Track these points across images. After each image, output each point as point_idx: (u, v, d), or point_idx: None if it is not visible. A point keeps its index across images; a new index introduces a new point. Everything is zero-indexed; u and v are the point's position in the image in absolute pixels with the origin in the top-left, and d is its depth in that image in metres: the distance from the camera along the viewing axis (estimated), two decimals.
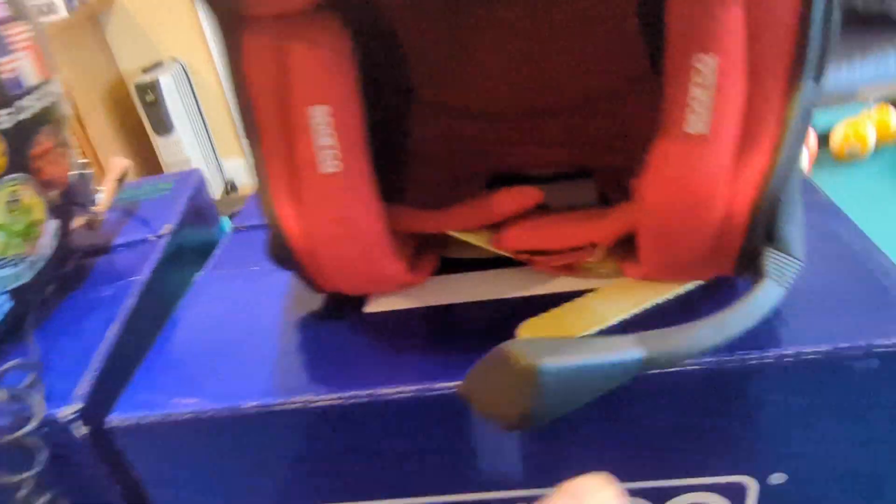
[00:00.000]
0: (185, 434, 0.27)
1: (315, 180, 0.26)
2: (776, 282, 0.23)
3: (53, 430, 0.28)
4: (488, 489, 0.29)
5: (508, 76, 0.39)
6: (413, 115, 0.37)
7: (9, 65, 0.31)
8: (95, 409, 0.29)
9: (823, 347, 0.24)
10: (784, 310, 0.26)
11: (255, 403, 0.27)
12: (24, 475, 0.27)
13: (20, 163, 0.32)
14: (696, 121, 0.23)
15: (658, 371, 0.25)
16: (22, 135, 0.32)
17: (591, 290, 0.30)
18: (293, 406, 0.26)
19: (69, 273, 0.39)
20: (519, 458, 0.28)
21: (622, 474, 0.28)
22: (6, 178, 0.31)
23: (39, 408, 0.28)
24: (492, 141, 0.39)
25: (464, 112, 0.39)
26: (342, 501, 0.29)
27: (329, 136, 0.26)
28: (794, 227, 0.24)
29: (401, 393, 0.26)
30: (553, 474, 0.28)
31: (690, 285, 0.29)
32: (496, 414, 0.20)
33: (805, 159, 0.74)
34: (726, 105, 0.22)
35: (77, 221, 0.41)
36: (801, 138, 0.23)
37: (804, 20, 0.22)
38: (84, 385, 0.29)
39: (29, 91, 0.32)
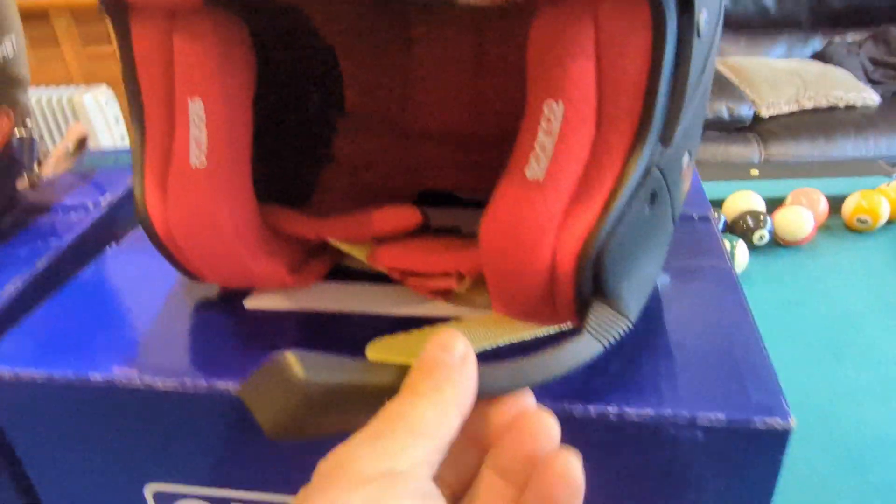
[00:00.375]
0: (40, 393, 0.28)
1: (182, 172, 0.26)
2: (593, 336, 0.23)
3: None
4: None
5: (448, 100, 0.39)
6: (342, 125, 0.38)
7: None
8: None
9: (648, 412, 0.24)
10: (634, 366, 0.26)
11: (101, 377, 0.27)
12: None
13: None
14: (535, 166, 0.23)
15: None
16: None
17: (461, 319, 0.30)
18: (132, 385, 0.27)
19: (5, 229, 0.41)
20: None
21: None
22: None
23: None
24: (424, 161, 0.40)
25: (397, 129, 0.39)
26: (168, 481, 0.30)
27: (200, 130, 0.26)
28: (631, 287, 0.24)
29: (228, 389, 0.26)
30: None
31: (553, 329, 0.28)
32: (261, 423, 0.20)
33: (810, 221, 0.73)
34: (565, 153, 0.22)
35: (23, 183, 0.42)
36: (641, 198, 0.23)
37: (652, 82, 0.22)
38: None
39: None
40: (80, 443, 0.30)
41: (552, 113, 0.22)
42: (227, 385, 0.27)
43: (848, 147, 1.67)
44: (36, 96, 1.87)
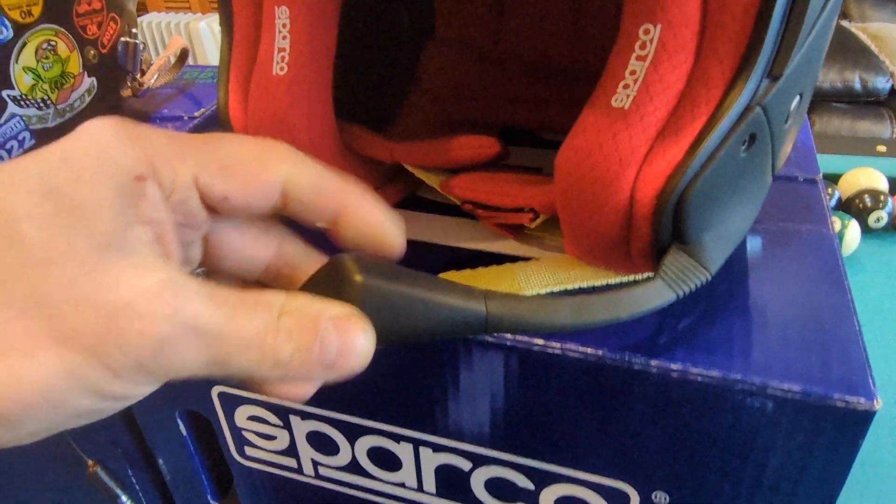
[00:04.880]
0: None
1: (263, 79, 0.26)
2: (667, 284, 0.21)
3: None
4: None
5: (543, 29, 0.37)
6: (430, 48, 0.37)
7: None
8: None
9: (713, 373, 0.22)
10: (707, 325, 0.24)
11: None
12: None
13: (59, 16, 0.35)
14: (623, 94, 0.21)
15: (548, 349, 0.24)
16: None
17: (530, 259, 0.29)
18: None
19: None
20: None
21: (507, 445, 0.27)
22: (41, 25, 0.34)
23: None
24: (512, 93, 0.38)
25: (487, 57, 0.38)
26: (232, 385, 0.31)
27: (285, 38, 0.26)
28: (715, 237, 0.22)
29: None
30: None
31: (628, 278, 0.27)
32: None
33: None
34: (656, 81, 0.20)
35: (126, 91, 0.44)
36: (737, 139, 0.21)
37: (765, 6, 0.19)
38: None
39: None
40: None
41: (648, 37, 0.21)
42: None
43: None
44: (157, 20, 1.96)
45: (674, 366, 0.23)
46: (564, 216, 0.24)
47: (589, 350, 0.23)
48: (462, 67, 0.37)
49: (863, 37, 1.79)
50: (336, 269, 0.19)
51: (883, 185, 0.71)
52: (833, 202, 0.71)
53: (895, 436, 0.43)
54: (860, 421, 0.21)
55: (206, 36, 1.92)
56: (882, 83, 1.63)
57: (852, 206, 0.69)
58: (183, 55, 0.47)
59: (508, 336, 0.24)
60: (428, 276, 0.20)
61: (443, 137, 0.29)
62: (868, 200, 0.70)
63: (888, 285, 0.63)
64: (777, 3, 0.19)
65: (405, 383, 0.28)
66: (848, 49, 1.72)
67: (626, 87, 0.21)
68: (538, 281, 0.27)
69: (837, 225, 0.64)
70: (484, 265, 0.28)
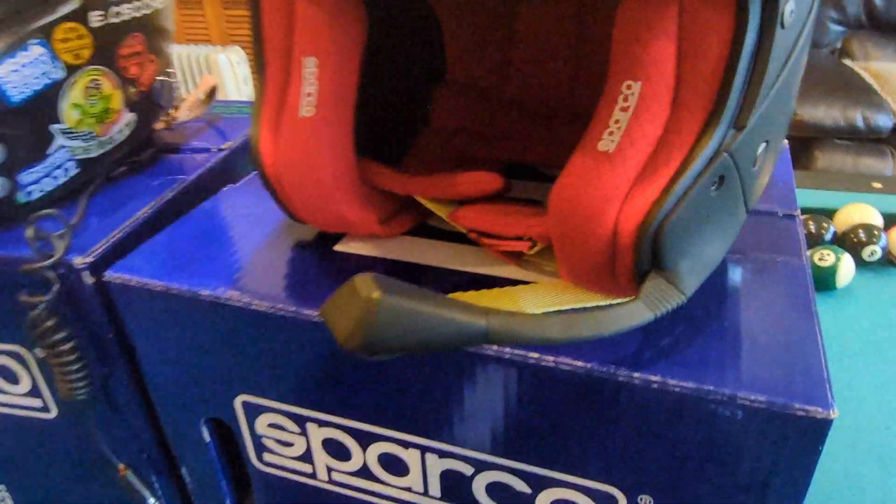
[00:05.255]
0: (159, 302, 0.33)
1: (292, 120, 0.30)
2: (646, 305, 0.24)
3: (67, 273, 0.35)
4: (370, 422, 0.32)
5: (546, 76, 0.41)
6: (441, 92, 0.40)
7: None
8: (105, 266, 0.35)
9: (689, 384, 0.25)
10: (685, 343, 0.27)
11: (208, 293, 0.32)
12: (39, 298, 0.34)
13: (106, 57, 0.39)
14: (608, 139, 0.24)
15: (543, 363, 0.27)
16: (111, 34, 0.38)
17: (529, 283, 0.32)
18: (233, 303, 0.31)
19: (142, 161, 0.46)
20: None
21: (507, 451, 0.30)
22: (89, 66, 0.38)
23: (59, 252, 0.34)
24: (515, 133, 0.41)
25: (493, 100, 0.41)
26: (256, 395, 0.34)
27: (312, 84, 0.29)
28: (690, 265, 0.25)
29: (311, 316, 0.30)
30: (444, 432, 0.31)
31: (616, 301, 0.30)
32: (336, 333, 0.23)
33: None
34: (637, 129, 0.24)
35: (159, 124, 0.48)
36: (707, 180, 0.24)
37: (730, 68, 0.23)
38: (101, 247, 0.36)
39: (126, 0, 0.39)
40: (187, 350, 0.34)
41: (630, 91, 0.24)
42: (312, 312, 0.30)
43: None
44: (177, 52, 2.03)
45: (654, 378, 0.25)
46: (558, 245, 0.27)
47: (579, 363, 0.26)
48: (470, 109, 0.41)
49: (865, 76, 1.83)
50: (356, 287, 0.22)
51: (877, 221, 0.74)
52: (829, 237, 0.73)
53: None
54: (819, 429, 0.24)
55: (224, 68, 1.99)
56: (884, 121, 1.67)
57: (847, 241, 0.72)
58: (212, 92, 0.51)
59: (508, 350, 0.27)
60: (436, 294, 0.23)
61: (451, 172, 0.33)
62: (862, 235, 0.72)
63: (882, 317, 0.65)
64: (739, 66, 0.22)
65: (416, 394, 0.30)
66: (851, 88, 1.76)
67: (610, 133, 0.24)
68: (535, 302, 0.30)
69: (831, 258, 0.67)
70: (487, 288, 0.31)
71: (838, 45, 2.06)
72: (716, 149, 0.23)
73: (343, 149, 0.31)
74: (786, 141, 0.47)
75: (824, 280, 0.67)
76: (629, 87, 0.24)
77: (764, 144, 0.26)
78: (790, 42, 0.24)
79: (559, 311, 0.29)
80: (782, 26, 0.22)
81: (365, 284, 0.22)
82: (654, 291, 0.24)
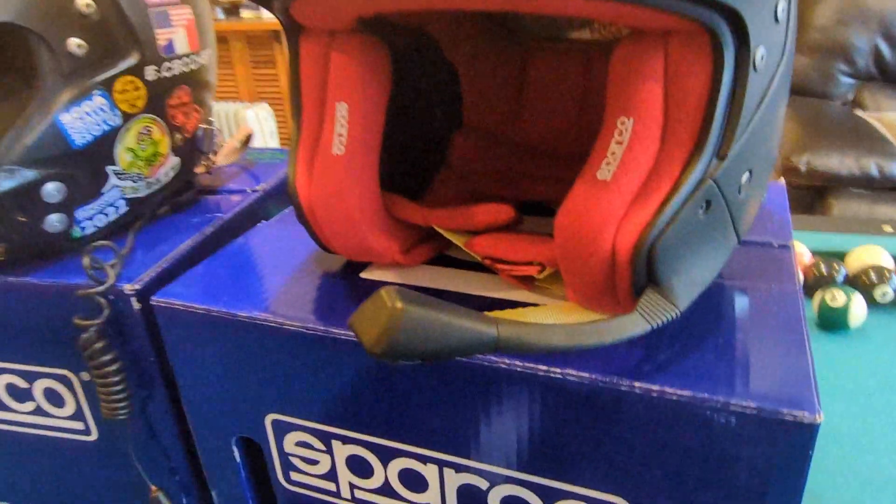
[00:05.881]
0: (198, 324, 0.36)
1: (325, 158, 0.33)
2: (643, 316, 0.27)
3: (118, 298, 0.38)
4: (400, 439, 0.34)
5: (554, 121, 0.44)
6: (458, 136, 0.44)
7: (165, 35, 0.42)
8: (151, 293, 0.38)
9: (685, 392, 0.27)
10: (683, 357, 0.29)
11: (245, 315, 0.35)
12: (91, 321, 0.37)
13: (157, 107, 0.43)
14: (605, 170, 0.27)
15: (549, 373, 0.29)
16: (162, 87, 0.43)
17: (539, 305, 0.34)
18: (267, 323, 0.34)
19: (184, 201, 0.50)
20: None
21: (520, 464, 0.32)
22: (142, 114, 0.42)
23: (111, 279, 0.38)
24: (526, 173, 0.45)
25: (506, 143, 0.45)
26: (285, 413, 0.36)
27: (343, 126, 0.33)
28: (683, 281, 0.28)
29: (346, 335, 0.33)
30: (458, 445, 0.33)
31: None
32: (363, 340, 0.25)
33: None
34: (631, 160, 0.27)
35: (200, 168, 0.52)
36: (695, 204, 0.26)
37: (710, 105, 0.26)
38: (148, 275, 0.39)
39: (178, 56, 0.43)
40: (222, 369, 0.37)
41: (624, 126, 0.27)
42: (340, 332, 0.33)
43: None
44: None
45: (653, 387, 0.28)
46: (563, 266, 0.29)
47: (585, 374, 0.28)
48: (485, 152, 0.44)
49: (878, 126, 1.86)
50: (382, 298, 0.25)
51: (888, 262, 0.75)
52: (840, 278, 0.75)
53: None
54: (807, 432, 0.26)
55: (252, 122, 2.07)
56: None
57: (858, 282, 0.73)
58: (247, 140, 0.55)
59: (518, 364, 0.29)
60: (453, 305, 0.26)
61: (468, 205, 0.36)
62: (874, 276, 0.73)
63: (894, 356, 0.66)
64: (719, 103, 0.25)
65: (434, 410, 0.33)
66: (864, 137, 1.78)
67: (607, 164, 0.27)
68: (543, 320, 0.32)
69: (842, 298, 0.68)
70: (500, 310, 0.34)
71: (850, 97, 2.10)
72: (701, 176, 0.26)
73: (370, 184, 0.34)
74: (783, 180, 0.49)
75: (836, 320, 0.68)
76: (623, 122, 0.27)
77: (747, 174, 0.29)
78: (764, 83, 0.27)
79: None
80: (755, 69, 0.26)
81: (389, 296, 0.25)
82: (649, 305, 0.27)
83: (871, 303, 0.70)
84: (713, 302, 0.33)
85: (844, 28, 2.05)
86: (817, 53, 2.05)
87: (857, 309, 0.68)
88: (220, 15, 2.42)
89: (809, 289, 0.72)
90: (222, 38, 2.44)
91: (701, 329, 0.31)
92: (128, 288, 0.38)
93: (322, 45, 0.33)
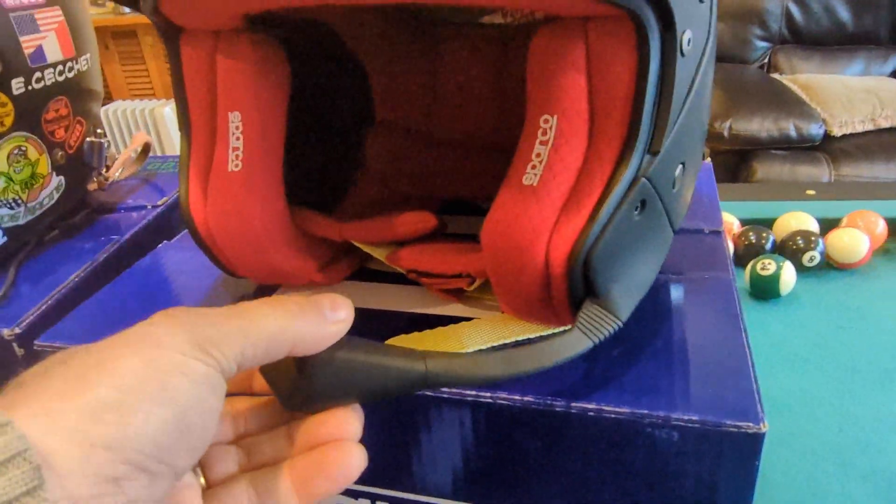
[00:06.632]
0: None
1: (220, 175, 0.30)
2: (583, 333, 0.24)
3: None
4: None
5: (471, 111, 0.42)
6: (371, 134, 0.40)
7: (31, 42, 0.37)
8: (35, 335, 0.34)
9: (624, 410, 0.25)
10: (621, 367, 0.27)
11: None
12: None
13: (30, 123, 0.38)
14: (531, 174, 0.25)
15: (480, 399, 0.26)
16: (34, 100, 0.38)
17: (472, 319, 0.32)
18: None
19: (76, 224, 0.45)
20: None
21: (467, 493, 0.29)
22: (12, 133, 0.37)
23: None
24: (447, 169, 0.42)
25: (423, 138, 0.42)
26: None
27: (238, 139, 0.29)
28: (623, 288, 0.26)
29: None
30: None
31: (557, 330, 0.30)
32: (277, 395, 0.22)
33: (865, 244, 0.71)
34: (558, 162, 0.24)
35: (92, 185, 0.47)
36: (629, 205, 0.24)
37: (638, 96, 0.23)
38: (30, 316, 0.35)
39: (50, 65, 0.38)
40: None
41: (548, 125, 0.24)
42: None
43: None
44: (122, 108, 2.01)
45: (591, 405, 0.26)
46: (494, 279, 0.27)
47: (516, 397, 0.26)
48: (402, 149, 0.41)
49: (794, 88, 1.91)
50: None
51: (813, 227, 0.76)
52: (769, 245, 0.75)
53: (850, 475, 0.46)
54: (752, 443, 0.24)
55: (170, 121, 1.97)
56: (815, 129, 1.74)
57: (786, 248, 0.74)
58: (145, 149, 0.50)
59: (445, 390, 0.27)
60: (375, 344, 0.23)
61: (386, 215, 0.33)
62: (801, 242, 0.74)
63: (827, 318, 0.67)
64: (647, 94, 0.23)
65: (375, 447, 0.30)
66: (781, 100, 1.83)
67: (533, 167, 0.25)
68: (479, 339, 0.30)
69: (773, 267, 0.69)
70: (431, 327, 0.31)
71: (766, 61, 2.16)
72: (634, 175, 0.24)
73: (273, 200, 0.30)
74: (709, 158, 0.48)
75: (768, 288, 0.68)
76: (546, 120, 0.24)
77: (680, 166, 0.27)
78: (692, 68, 0.25)
79: (503, 346, 0.29)
80: (682, 54, 0.23)
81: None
82: (589, 318, 0.25)
83: (800, 268, 0.71)
84: (649, 299, 0.31)
85: None
86: (732, 19, 2.09)
87: (788, 276, 0.69)
88: (126, 9, 2.28)
89: (740, 258, 0.72)
90: (131, 33, 2.30)
91: (638, 332, 0.29)
92: (6, 333, 0.34)
93: (206, 47, 0.29)
